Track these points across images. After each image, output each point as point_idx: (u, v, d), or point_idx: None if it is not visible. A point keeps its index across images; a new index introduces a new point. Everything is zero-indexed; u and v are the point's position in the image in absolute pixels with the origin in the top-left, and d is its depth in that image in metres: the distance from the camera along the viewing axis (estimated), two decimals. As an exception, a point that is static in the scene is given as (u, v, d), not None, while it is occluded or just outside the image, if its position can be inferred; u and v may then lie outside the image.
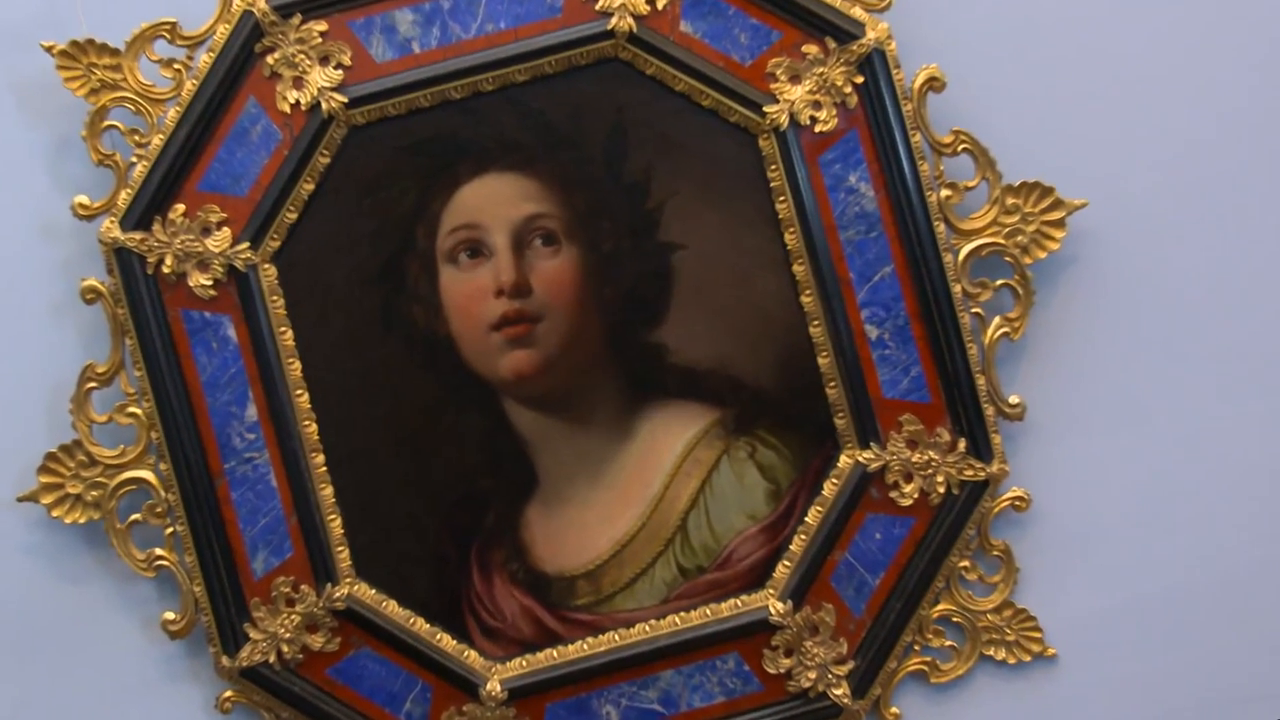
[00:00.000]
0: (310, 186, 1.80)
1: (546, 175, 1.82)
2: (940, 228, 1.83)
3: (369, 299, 1.82)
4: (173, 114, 1.79)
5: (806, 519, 1.86)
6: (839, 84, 1.82)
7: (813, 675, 1.86)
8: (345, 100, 1.78)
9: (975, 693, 1.92)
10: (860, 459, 1.85)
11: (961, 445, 1.85)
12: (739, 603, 1.85)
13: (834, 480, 1.85)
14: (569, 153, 1.83)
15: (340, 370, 1.82)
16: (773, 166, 1.82)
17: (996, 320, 1.86)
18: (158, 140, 1.79)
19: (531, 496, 1.87)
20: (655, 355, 1.85)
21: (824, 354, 1.84)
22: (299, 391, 1.82)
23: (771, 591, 1.85)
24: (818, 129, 1.82)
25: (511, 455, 1.85)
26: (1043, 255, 1.86)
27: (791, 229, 1.83)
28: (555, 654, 1.86)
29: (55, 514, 1.81)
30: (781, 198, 1.83)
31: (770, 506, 1.86)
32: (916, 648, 1.89)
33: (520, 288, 1.80)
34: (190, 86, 1.79)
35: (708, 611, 1.85)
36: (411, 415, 1.83)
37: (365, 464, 1.83)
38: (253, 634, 1.83)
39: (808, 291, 1.84)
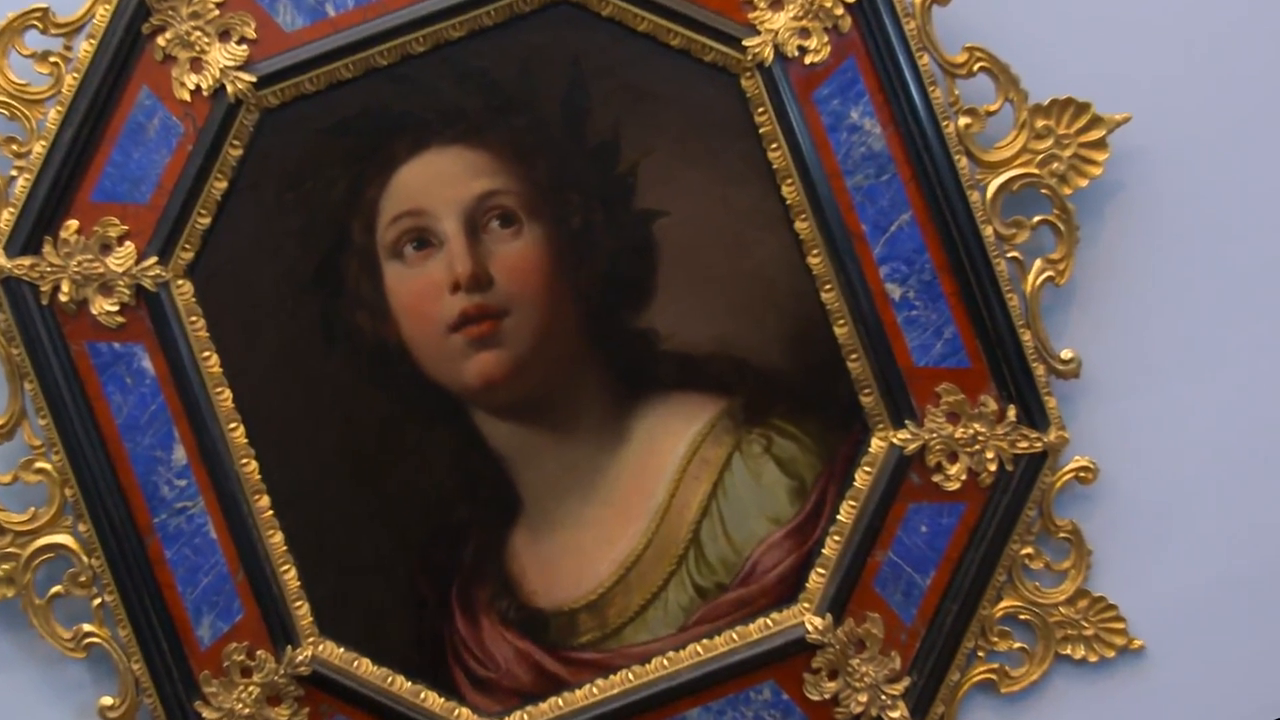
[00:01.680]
0: (222, 184, 1.68)
1: (497, 145, 1.70)
2: (962, 162, 1.70)
3: (305, 309, 1.71)
4: (54, 115, 1.67)
5: (839, 517, 1.74)
6: (828, 5, 1.69)
7: (864, 699, 1.74)
8: (253, 80, 1.66)
9: (1054, 699, 1.79)
10: (895, 440, 1.72)
11: (1011, 413, 1.73)
12: (769, 622, 1.74)
13: (866, 469, 1.73)
14: (521, 116, 1.70)
15: (279, 395, 1.71)
16: (760, 109, 1.70)
17: (1038, 264, 1.74)
18: (39, 147, 1.67)
19: (516, 522, 1.75)
20: (644, 343, 1.73)
21: (841, 322, 1.72)
22: (232, 425, 1.70)
23: (806, 605, 1.74)
24: (808, 60, 1.69)
25: (488, 476, 1.74)
26: (1084, 183, 1.73)
27: (789, 180, 1.70)
28: (560, 703, 1.74)
29: (-37, 595, 1.71)
30: (774, 145, 1.70)
31: (795, 506, 1.74)
32: (981, 654, 1.78)
33: (479, 279, 1.68)
34: (71, 81, 1.67)
35: (734, 636, 1.74)
36: (367, 440, 1.72)
37: (318, 502, 1.72)
38: (206, 713, 1.72)
39: (815, 251, 1.71)
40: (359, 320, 1.72)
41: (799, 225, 1.72)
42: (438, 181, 1.68)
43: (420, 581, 1.75)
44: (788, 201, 1.71)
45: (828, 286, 1.72)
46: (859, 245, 1.71)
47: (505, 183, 1.68)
